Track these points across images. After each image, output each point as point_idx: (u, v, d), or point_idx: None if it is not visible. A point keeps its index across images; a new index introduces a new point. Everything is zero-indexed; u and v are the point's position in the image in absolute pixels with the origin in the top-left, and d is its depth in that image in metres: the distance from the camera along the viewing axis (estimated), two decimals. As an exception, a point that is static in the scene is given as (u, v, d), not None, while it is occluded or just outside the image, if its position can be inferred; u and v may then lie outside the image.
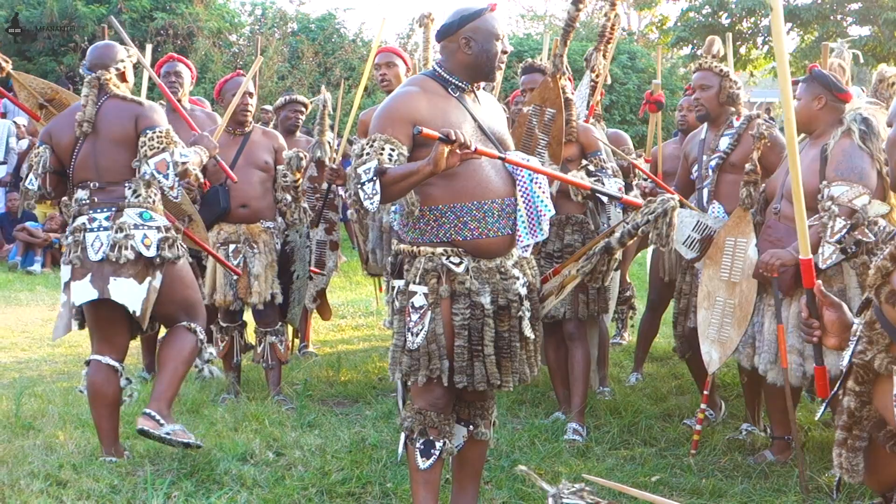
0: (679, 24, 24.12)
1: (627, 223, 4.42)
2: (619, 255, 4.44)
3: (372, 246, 6.90)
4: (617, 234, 4.26)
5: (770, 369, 5.21)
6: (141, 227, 5.20)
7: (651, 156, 6.45)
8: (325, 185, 7.72)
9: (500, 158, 4.03)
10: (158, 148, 5.17)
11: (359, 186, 3.94)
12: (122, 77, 5.49)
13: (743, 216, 5.46)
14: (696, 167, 6.14)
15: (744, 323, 5.34)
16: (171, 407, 5.26)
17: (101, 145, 5.28)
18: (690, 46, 23.33)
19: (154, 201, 5.33)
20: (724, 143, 5.95)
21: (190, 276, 5.45)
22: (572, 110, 6.11)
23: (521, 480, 4.99)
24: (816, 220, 4.92)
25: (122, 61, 5.50)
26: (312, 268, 7.57)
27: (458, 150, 3.77)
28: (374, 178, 3.89)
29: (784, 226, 5.18)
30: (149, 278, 5.19)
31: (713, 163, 5.96)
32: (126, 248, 5.11)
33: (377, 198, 3.91)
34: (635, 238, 4.37)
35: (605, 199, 6.10)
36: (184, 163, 5.20)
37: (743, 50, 22.62)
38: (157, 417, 5.09)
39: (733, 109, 6.00)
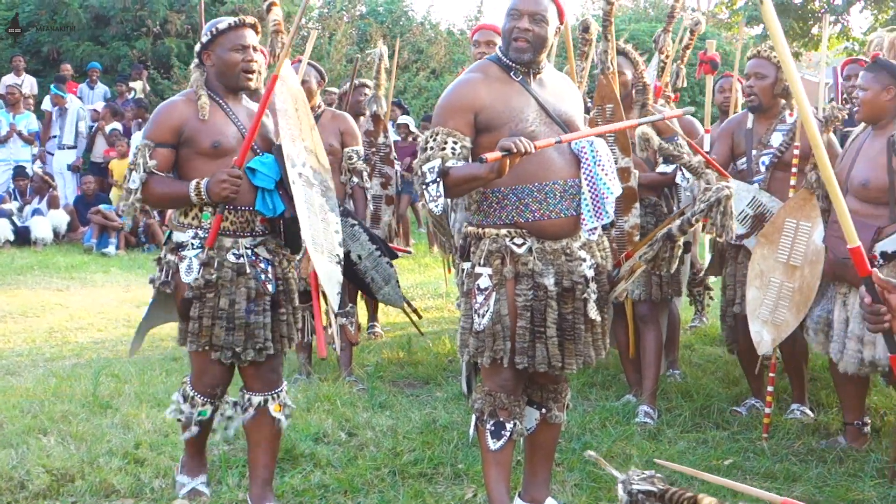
0: (750, 3, 23.72)
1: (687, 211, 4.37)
2: (682, 241, 4.37)
3: (456, 224, 6.86)
4: (677, 222, 4.22)
5: (841, 359, 5.15)
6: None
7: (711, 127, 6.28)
8: (381, 139, 7.71)
9: (556, 143, 4.00)
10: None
11: (424, 187, 3.99)
12: (203, 61, 4.53)
13: (808, 199, 5.34)
14: (742, 160, 6.02)
15: (804, 308, 5.26)
16: (186, 463, 4.74)
17: None
18: (762, 27, 22.94)
19: (174, 217, 4.52)
20: (777, 139, 5.85)
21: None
22: (648, 94, 6.08)
23: (593, 463, 4.99)
24: None
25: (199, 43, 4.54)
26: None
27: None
28: (438, 180, 3.94)
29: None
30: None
31: (765, 159, 5.86)
32: None
33: (441, 200, 3.96)
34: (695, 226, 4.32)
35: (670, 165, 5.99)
36: (128, 190, 4.38)
37: (815, 30, 22.19)
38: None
39: (785, 102, 5.91)
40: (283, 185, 4.41)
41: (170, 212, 4.63)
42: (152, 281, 4.49)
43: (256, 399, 4.53)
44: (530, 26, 4.08)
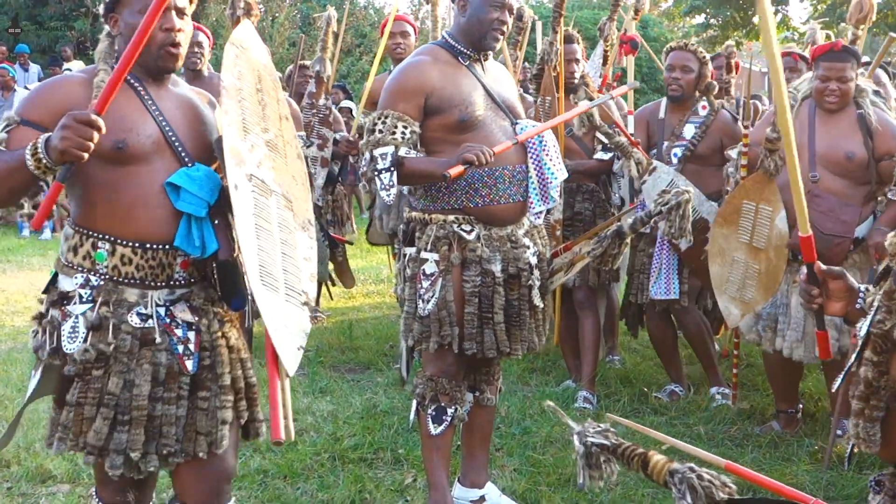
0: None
1: (641, 210, 4.41)
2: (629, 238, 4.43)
3: (379, 212, 6.89)
4: (629, 220, 4.26)
5: (796, 348, 5.19)
6: None
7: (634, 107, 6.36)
8: (321, 101, 7.68)
9: (513, 145, 4.07)
10: None
11: (375, 173, 3.98)
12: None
13: (765, 182, 5.25)
14: (654, 150, 6.08)
15: (771, 290, 5.24)
16: None
17: None
18: (703, 15, 23.14)
19: (62, 254, 3.16)
20: (689, 131, 5.94)
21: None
22: (586, 82, 6.12)
23: (532, 448, 5.03)
24: None
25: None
26: (337, 235, 7.60)
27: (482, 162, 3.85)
28: (392, 169, 3.94)
29: (832, 198, 5.09)
30: None
31: (678, 151, 5.95)
32: None
33: (394, 190, 3.98)
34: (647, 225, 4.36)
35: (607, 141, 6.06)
36: None
37: (756, 19, 22.41)
38: None
39: (699, 95, 5.98)
40: (220, 212, 3.08)
41: (61, 246, 3.17)
42: (36, 350, 3.13)
43: None
44: (507, 19, 4.13)
